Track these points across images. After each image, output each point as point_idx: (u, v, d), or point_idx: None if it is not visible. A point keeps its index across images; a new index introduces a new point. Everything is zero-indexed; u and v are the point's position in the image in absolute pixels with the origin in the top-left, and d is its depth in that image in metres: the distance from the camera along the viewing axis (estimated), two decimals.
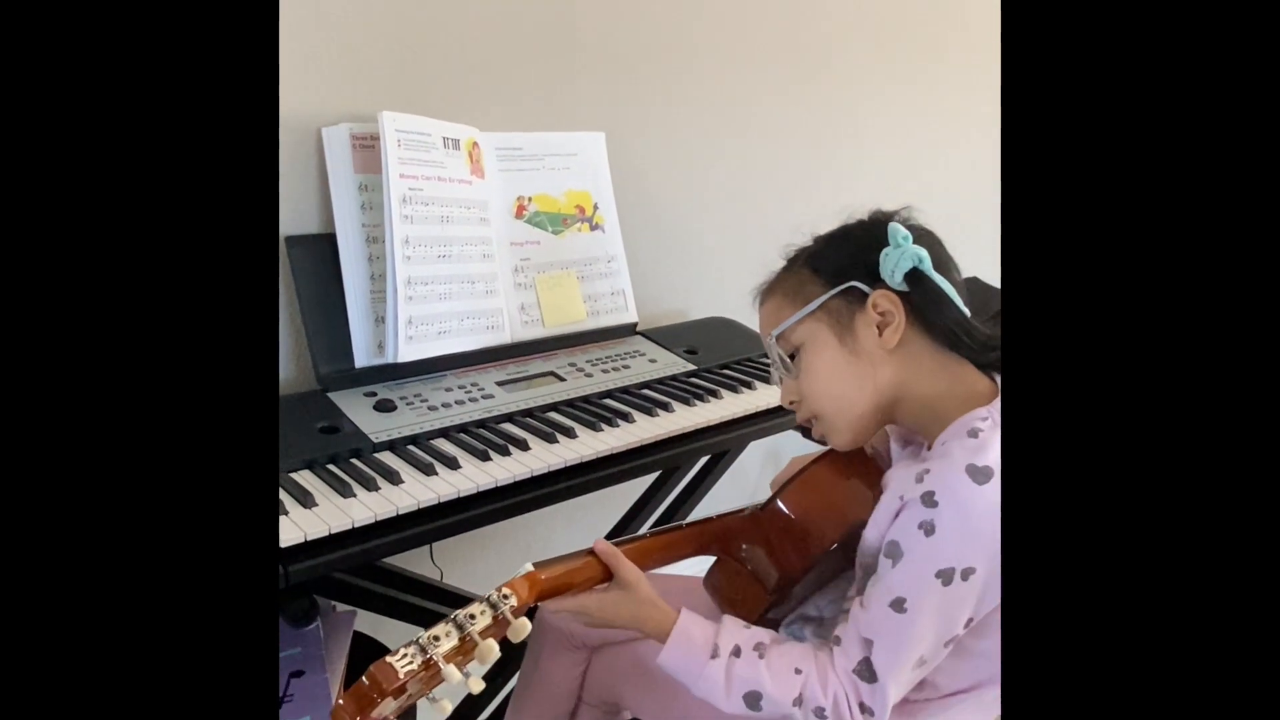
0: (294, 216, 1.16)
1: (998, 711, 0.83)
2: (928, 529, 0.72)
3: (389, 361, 1.12)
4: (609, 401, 1.20)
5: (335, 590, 1.13)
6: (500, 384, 1.18)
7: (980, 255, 0.88)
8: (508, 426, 1.10)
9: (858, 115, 1.87)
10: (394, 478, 0.93)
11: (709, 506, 1.52)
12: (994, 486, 0.71)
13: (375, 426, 1.04)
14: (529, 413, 1.14)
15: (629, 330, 1.41)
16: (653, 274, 1.59)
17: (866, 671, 0.75)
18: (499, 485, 0.96)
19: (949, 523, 0.72)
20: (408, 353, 1.12)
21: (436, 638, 0.66)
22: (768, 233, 1.64)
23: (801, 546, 0.86)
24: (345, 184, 1.14)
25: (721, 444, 1.19)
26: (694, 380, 1.30)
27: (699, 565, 0.94)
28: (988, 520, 0.70)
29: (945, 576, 0.72)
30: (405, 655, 0.64)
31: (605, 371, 1.27)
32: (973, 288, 0.85)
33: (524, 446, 1.03)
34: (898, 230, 0.80)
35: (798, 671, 0.76)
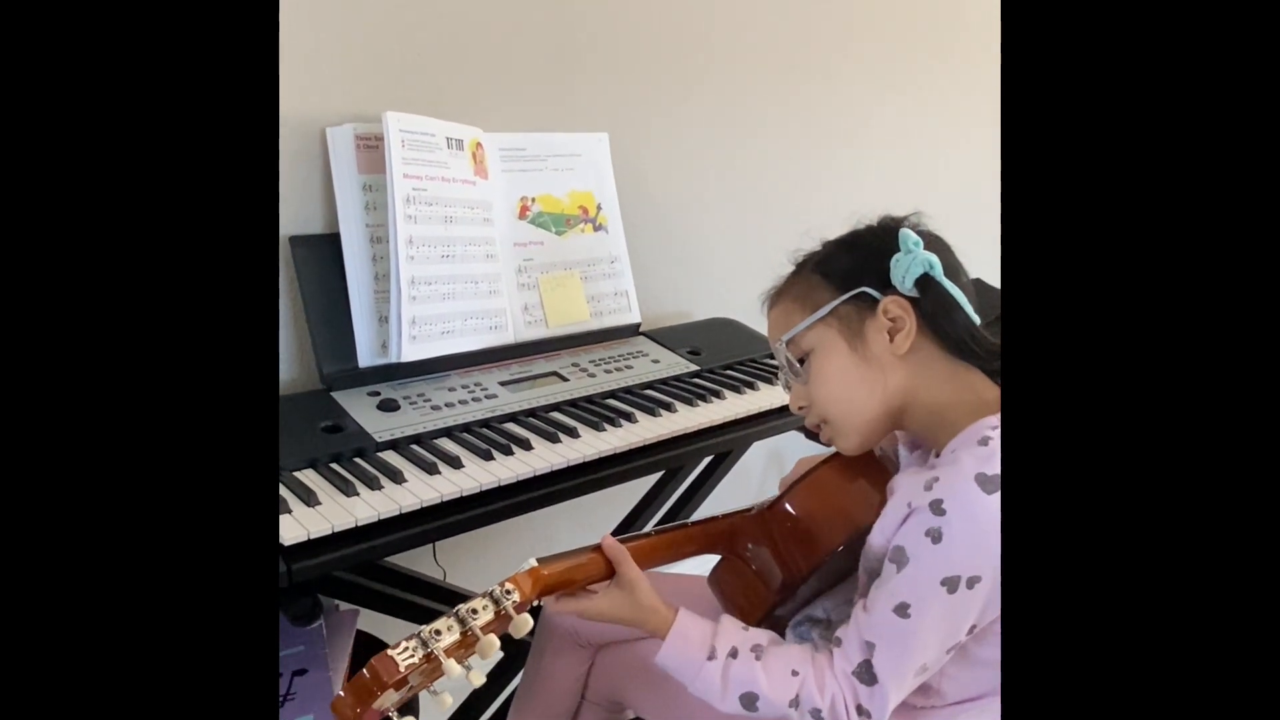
0: (298, 216, 1.16)
1: None
2: (935, 536, 0.72)
3: (392, 361, 1.12)
4: (612, 401, 1.20)
5: (338, 589, 1.13)
6: (503, 384, 1.19)
7: (981, 256, 0.88)
8: (511, 426, 1.10)
9: (860, 116, 1.87)
10: (397, 477, 0.93)
11: (712, 507, 1.52)
12: None
13: (379, 426, 1.04)
14: (532, 412, 1.14)
15: (632, 331, 1.41)
16: (656, 274, 1.60)
17: (866, 674, 0.75)
18: (502, 484, 0.96)
19: (957, 531, 0.72)
20: (411, 352, 1.12)
21: (438, 631, 0.66)
22: (771, 233, 1.64)
23: (807, 547, 0.86)
24: (349, 184, 1.14)
25: (724, 444, 1.19)
26: (697, 380, 1.30)
27: (703, 564, 0.94)
28: (996, 529, 0.70)
29: (951, 584, 0.72)
30: (406, 649, 0.64)
31: (608, 372, 1.28)
32: (976, 289, 0.85)
33: (527, 446, 1.03)
34: (909, 236, 0.80)
35: (794, 673, 0.76)
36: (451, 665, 0.65)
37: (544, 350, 1.30)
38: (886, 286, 0.81)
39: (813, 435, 0.89)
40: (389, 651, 0.64)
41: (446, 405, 1.11)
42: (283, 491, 0.89)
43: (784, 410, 1.23)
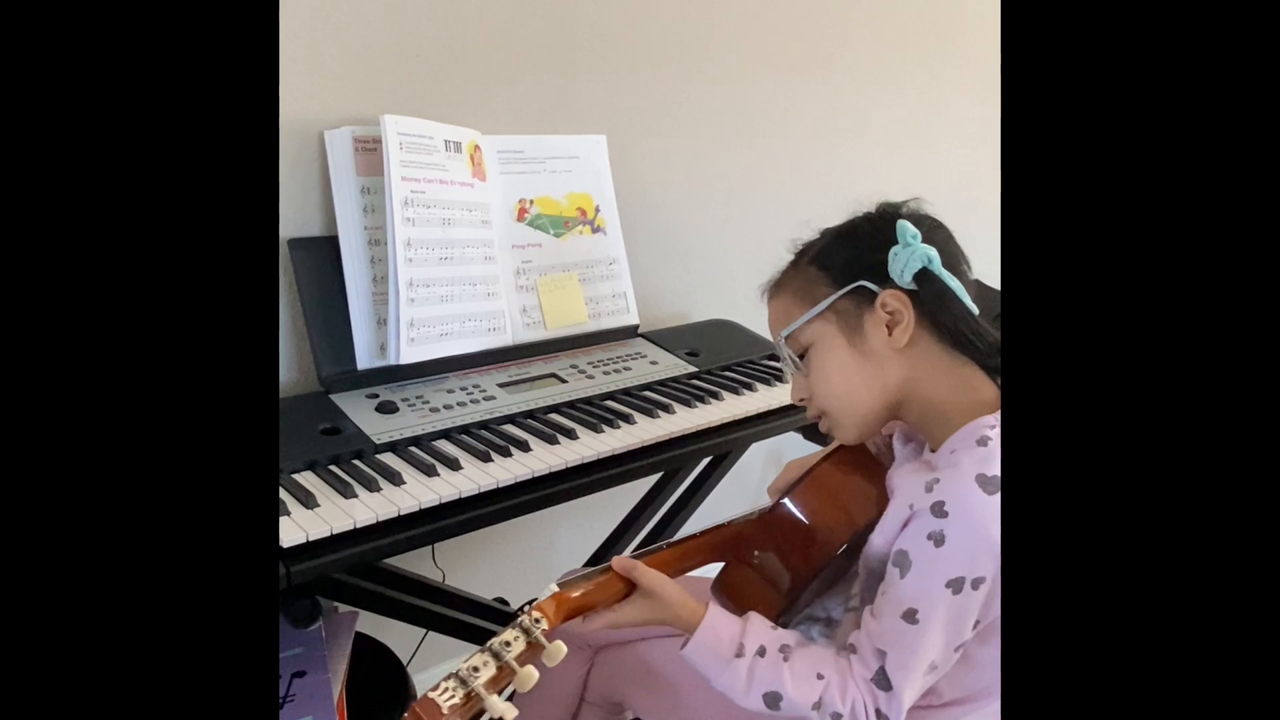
0: (296, 219, 1.16)
1: None
2: (937, 540, 0.72)
3: (391, 363, 1.12)
4: (610, 403, 1.20)
5: (337, 591, 1.13)
6: (502, 386, 1.19)
7: (981, 255, 0.88)
8: (509, 428, 1.10)
9: (859, 119, 1.87)
10: (396, 479, 0.93)
11: (711, 508, 1.53)
12: None
13: (377, 428, 1.04)
14: (530, 414, 1.14)
15: (630, 332, 1.41)
16: (654, 276, 1.60)
17: (883, 680, 0.75)
18: (500, 486, 0.96)
19: (959, 533, 0.72)
20: (409, 355, 1.12)
21: (475, 668, 0.66)
22: (769, 235, 1.64)
23: (813, 548, 0.86)
24: (347, 187, 1.14)
25: (723, 445, 1.19)
26: (695, 382, 1.30)
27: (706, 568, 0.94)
28: (997, 530, 0.70)
29: (956, 585, 0.72)
30: (446, 690, 0.64)
31: (606, 373, 1.28)
32: (976, 290, 0.85)
33: (525, 448, 1.03)
34: (906, 229, 0.80)
35: (820, 677, 0.77)
36: (494, 702, 0.64)
37: (542, 352, 1.30)
38: (884, 280, 0.81)
39: (812, 435, 0.89)
40: (430, 694, 0.63)
41: (445, 407, 1.11)
42: (281, 494, 0.89)
43: (782, 411, 1.23)
